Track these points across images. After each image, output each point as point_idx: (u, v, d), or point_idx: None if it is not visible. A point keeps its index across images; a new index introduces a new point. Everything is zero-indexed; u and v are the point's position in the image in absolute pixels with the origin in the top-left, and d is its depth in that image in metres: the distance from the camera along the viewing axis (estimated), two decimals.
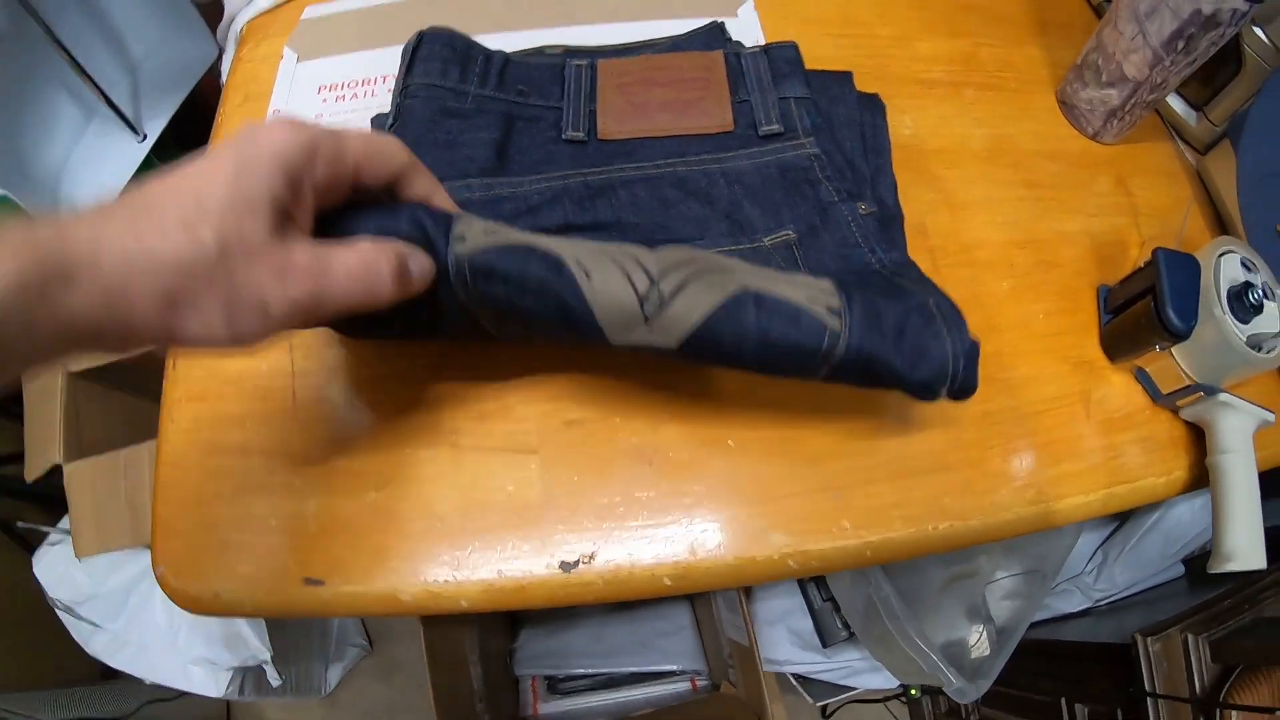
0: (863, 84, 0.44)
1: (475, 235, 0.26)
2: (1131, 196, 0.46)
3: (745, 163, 0.37)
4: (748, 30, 0.48)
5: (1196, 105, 0.49)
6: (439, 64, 0.38)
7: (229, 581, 0.35)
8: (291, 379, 0.37)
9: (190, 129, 0.74)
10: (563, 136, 0.37)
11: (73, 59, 0.60)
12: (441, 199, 0.28)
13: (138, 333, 0.21)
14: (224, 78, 0.53)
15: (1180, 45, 0.41)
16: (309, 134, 0.23)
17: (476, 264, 0.26)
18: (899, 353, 0.28)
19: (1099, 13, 0.54)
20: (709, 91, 0.39)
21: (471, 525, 0.35)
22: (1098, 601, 0.69)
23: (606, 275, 0.26)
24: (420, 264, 0.26)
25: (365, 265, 0.24)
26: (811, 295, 0.27)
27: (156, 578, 0.36)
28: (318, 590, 0.34)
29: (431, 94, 0.37)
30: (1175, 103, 0.50)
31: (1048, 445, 0.38)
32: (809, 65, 0.42)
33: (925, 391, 0.29)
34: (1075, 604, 0.69)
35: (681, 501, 0.35)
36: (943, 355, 0.29)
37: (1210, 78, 0.47)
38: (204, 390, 0.38)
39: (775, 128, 0.38)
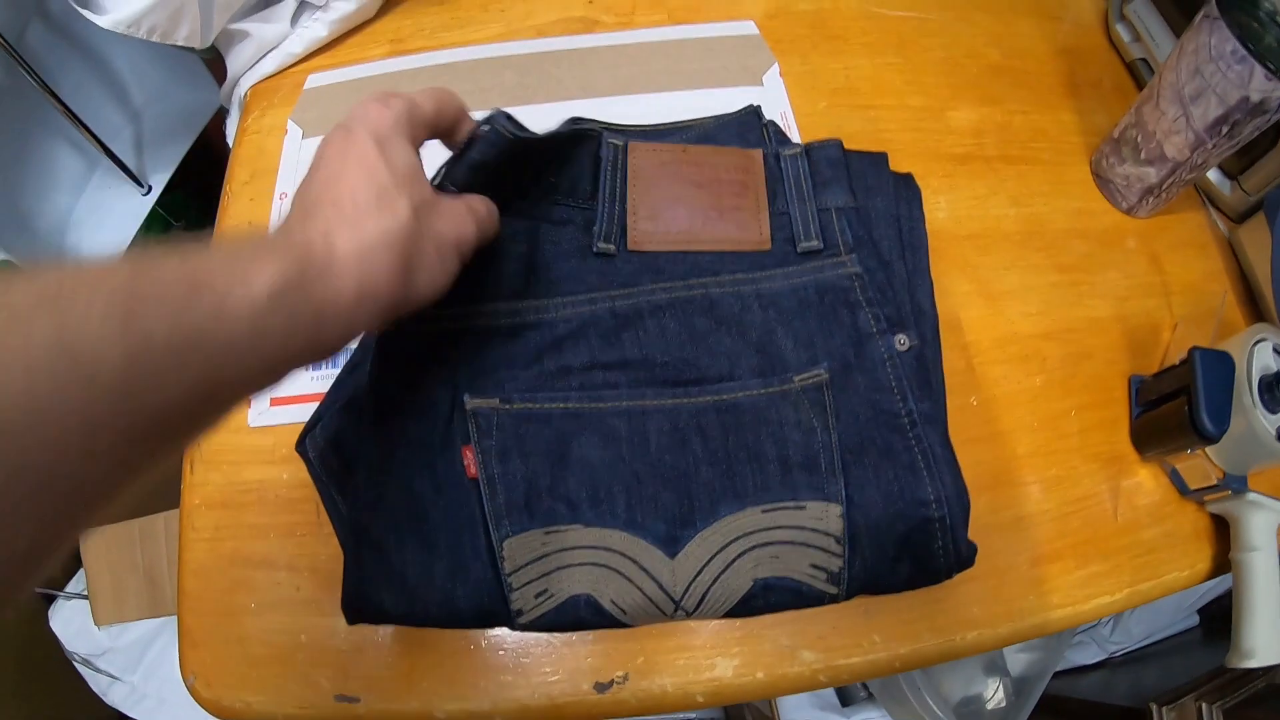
0: (896, 162, 0.42)
1: (529, 602, 0.31)
2: (1163, 274, 0.45)
3: (781, 284, 0.35)
4: (773, 99, 0.47)
5: (1231, 174, 0.48)
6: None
7: (260, 694, 0.35)
8: (315, 490, 0.37)
9: (195, 178, 0.71)
10: (593, 250, 0.36)
11: (71, 112, 0.58)
12: (468, 126, 0.30)
13: (384, 307, 0.24)
14: (229, 135, 0.52)
15: (1224, 130, 0.40)
16: (402, 103, 0.26)
17: (537, 624, 0.32)
18: (895, 576, 0.33)
19: (1131, 70, 0.52)
20: (746, 200, 0.37)
21: (506, 645, 0.35)
22: (1113, 653, 0.70)
23: (636, 605, 0.32)
24: (491, 209, 0.30)
25: (485, 204, 0.30)
26: (815, 561, 0.32)
27: (188, 688, 0.36)
28: (352, 707, 0.34)
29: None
30: (1209, 171, 0.49)
31: (1075, 548, 0.38)
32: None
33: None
34: (1091, 656, 0.70)
35: (712, 622, 0.35)
36: (936, 571, 0.33)
37: (1247, 147, 0.46)
38: (224, 498, 0.38)
39: (815, 244, 0.36)
